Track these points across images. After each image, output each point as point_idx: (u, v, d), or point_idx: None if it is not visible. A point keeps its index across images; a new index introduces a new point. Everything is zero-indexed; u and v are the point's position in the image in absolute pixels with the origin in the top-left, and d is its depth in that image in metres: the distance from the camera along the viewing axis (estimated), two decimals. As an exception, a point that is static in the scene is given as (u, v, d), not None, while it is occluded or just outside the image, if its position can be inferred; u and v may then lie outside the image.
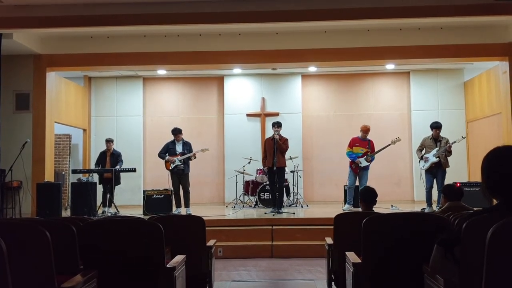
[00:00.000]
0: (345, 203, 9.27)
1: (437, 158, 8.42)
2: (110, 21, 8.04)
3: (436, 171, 8.47)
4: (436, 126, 8.66)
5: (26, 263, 2.36)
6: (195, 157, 9.03)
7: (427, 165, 8.50)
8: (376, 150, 9.15)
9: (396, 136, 9.32)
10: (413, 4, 7.77)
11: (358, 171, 9.04)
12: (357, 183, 9.11)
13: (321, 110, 11.90)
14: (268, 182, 9.57)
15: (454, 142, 8.50)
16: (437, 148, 8.48)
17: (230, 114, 11.75)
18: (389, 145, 9.15)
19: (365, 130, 9.21)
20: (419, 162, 8.78)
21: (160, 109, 12.04)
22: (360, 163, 8.98)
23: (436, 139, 8.62)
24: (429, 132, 8.79)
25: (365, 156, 9.00)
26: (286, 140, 8.79)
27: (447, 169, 8.52)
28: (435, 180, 8.54)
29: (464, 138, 8.72)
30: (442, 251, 2.21)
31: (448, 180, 8.22)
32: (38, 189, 8.65)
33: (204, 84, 12.08)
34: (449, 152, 8.42)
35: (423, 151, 8.70)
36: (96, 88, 11.96)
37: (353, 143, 9.22)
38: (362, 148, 9.09)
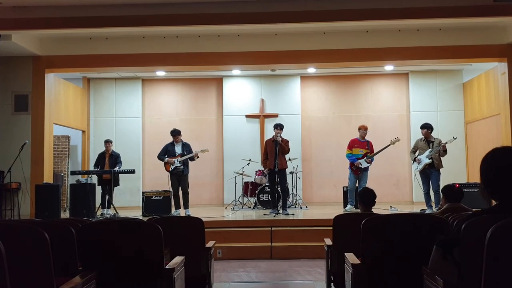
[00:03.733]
0: (346, 204, 9.26)
1: (430, 159, 8.41)
2: (109, 23, 8.04)
3: (429, 172, 8.47)
4: (422, 127, 8.66)
5: (25, 264, 2.35)
6: (198, 157, 9.03)
7: (420, 166, 8.49)
8: (375, 150, 9.16)
9: (395, 137, 9.32)
10: (411, 5, 7.78)
11: (358, 172, 9.04)
12: (357, 184, 9.12)
13: (320, 111, 11.91)
14: (267, 184, 9.58)
15: (446, 142, 8.49)
16: (430, 150, 8.48)
17: (229, 116, 11.75)
18: (389, 145, 9.15)
19: (364, 128, 9.22)
20: (412, 163, 8.79)
21: (159, 111, 12.04)
22: (361, 164, 8.99)
23: (428, 140, 8.61)
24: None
25: (365, 158, 9.00)
26: (287, 141, 8.77)
27: (441, 169, 8.51)
28: (430, 181, 8.53)
29: (455, 138, 8.70)
30: (441, 252, 2.21)
31: (447, 181, 8.17)
32: (37, 190, 8.64)
33: (203, 86, 12.08)
34: (444, 152, 8.40)
35: (416, 153, 8.70)
36: (95, 89, 11.95)
37: (352, 144, 9.22)
38: (362, 149, 9.09)
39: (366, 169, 9.03)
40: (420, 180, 8.65)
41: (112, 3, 7.89)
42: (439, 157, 8.45)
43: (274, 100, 11.74)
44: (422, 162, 8.46)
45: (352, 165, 9.10)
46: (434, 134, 8.77)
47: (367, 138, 9.27)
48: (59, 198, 8.90)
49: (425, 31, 9.08)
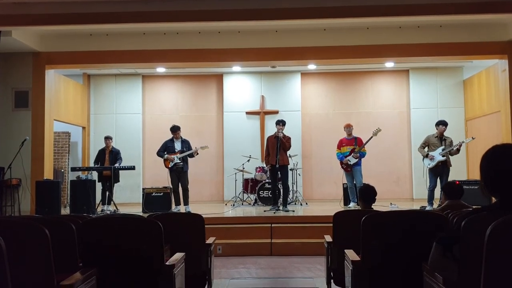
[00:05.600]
0: (348, 202, 9.24)
1: (444, 157, 8.36)
2: (109, 19, 8.03)
3: (442, 170, 8.39)
4: (441, 123, 8.59)
5: (25, 261, 2.36)
6: (197, 154, 9.03)
7: (433, 163, 8.39)
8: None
9: (376, 127, 9.25)
10: (412, 2, 7.76)
11: (349, 170, 9.04)
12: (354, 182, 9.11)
13: (320, 108, 11.90)
14: (268, 180, 9.58)
15: (463, 141, 8.45)
16: (443, 147, 8.42)
17: (229, 112, 11.75)
18: (371, 137, 9.07)
19: (347, 126, 9.28)
20: (423, 160, 8.68)
21: (159, 107, 12.04)
22: (349, 161, 8.99)
23: (441, 137, 8.57)
24: (429, 130, 8.75)
25: (352, 153, 8.99)
26: (289, 138, 8.76)
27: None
28: (438, 179, 8.49)
29: (473, 138, 8.68)
30: (441, 249, 2.21)
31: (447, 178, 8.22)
32: (37, 186, 8.65)
33: (203, 82, 12.07)
34: (457, 150, 8.37)
35: (426, 149, 8.64)
36: (95, 85, 11.95)
37: (340, 144, 9.29)
38: (349, 146, 9.13)
39: (357, 164, 8.99)
40: (428, 176, 8.60)
41: (112, -1, 7.89)
42: (449, 156, 8.42)
43: (275, 96, 11.73)
44: (436, 159, 8.38)
45: (341, 163, 9.13)
46: (434, 131, 8.74)
47: (360, 134, 9.26)
48: (59, 194, 8.91)
49: (425, 28, 9.07)
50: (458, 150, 8.37)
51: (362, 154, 9.07)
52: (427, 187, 8.58)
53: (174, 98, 12.07)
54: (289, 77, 11.74)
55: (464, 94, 11.46)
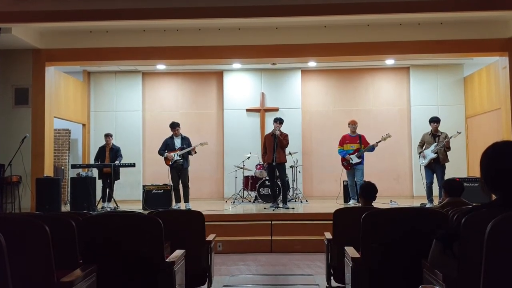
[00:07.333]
0: (348, 199, 9.21)
1: (435, 154, 8.37)
2: (109, 16, 8.02)
3: (435, 167, 8.44)
4: (433, 120, 8.61)
5: (25, 258, 2.36)
6: (195, 152, 9.04)
7: (426, 161, 8.45)
8: (370, 143, 9.03)
9: (387, 133, 9.18)
10: (413, -1, 7.76)
11: (349, 168, 8.99)
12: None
13: (321, 105, 11.90)
14: (267, 177, 9.58)
15: (451, 137, 8.46)
16: (435, 144, 8.45)
17: (229, 109, 11.74)
18: (380, 141, 9.00)
19: (353, 123, 9.14)
20: (418, 158, 8.74)
21: (159, 104, 12.03)
22: (351, 159, 8.93)
23: (434, 134, 8.57)
24: (429, 128, 8.74)
25: (356, 153, 8.93)
26: (286, 135, 8.77)
27: (446, 164, 8.49)
28: (435, 175, 8.52)
29: (459, 133, 8.65)
30: (441, 246, 2.21)
31: (447, 176, 8.18)
32: (38, 184, 8.65)
33: (204, 79, 12.06)
34: (447, 148, 8.38)
35: (423, 147, 8.66)
36: (95, 83, 11.94)
37: (343, 141, 9.15)
38: (353, 144, 9.00)
39: (359, 164, 8.90)
40: (425, 173, 8.60)
41: (112, -4, 7.87)
42: (444, 152, 8.41)
43: (275, 94, 11.73)
44: (428, 157, 8.40)
45: (343, 160, 9.07)
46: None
47: (360, 132, 9.21)
48: (59, 191, 8.92)
49: (426, 25, 9.05)
50: (448, 148, 8.37)
51: (363, 155, 8.97)
52: (424, 184, 8.59)
53: (174, 95, 12.06)
54: (290, 74, 11.73)
55: (464, 91, 11.45)
